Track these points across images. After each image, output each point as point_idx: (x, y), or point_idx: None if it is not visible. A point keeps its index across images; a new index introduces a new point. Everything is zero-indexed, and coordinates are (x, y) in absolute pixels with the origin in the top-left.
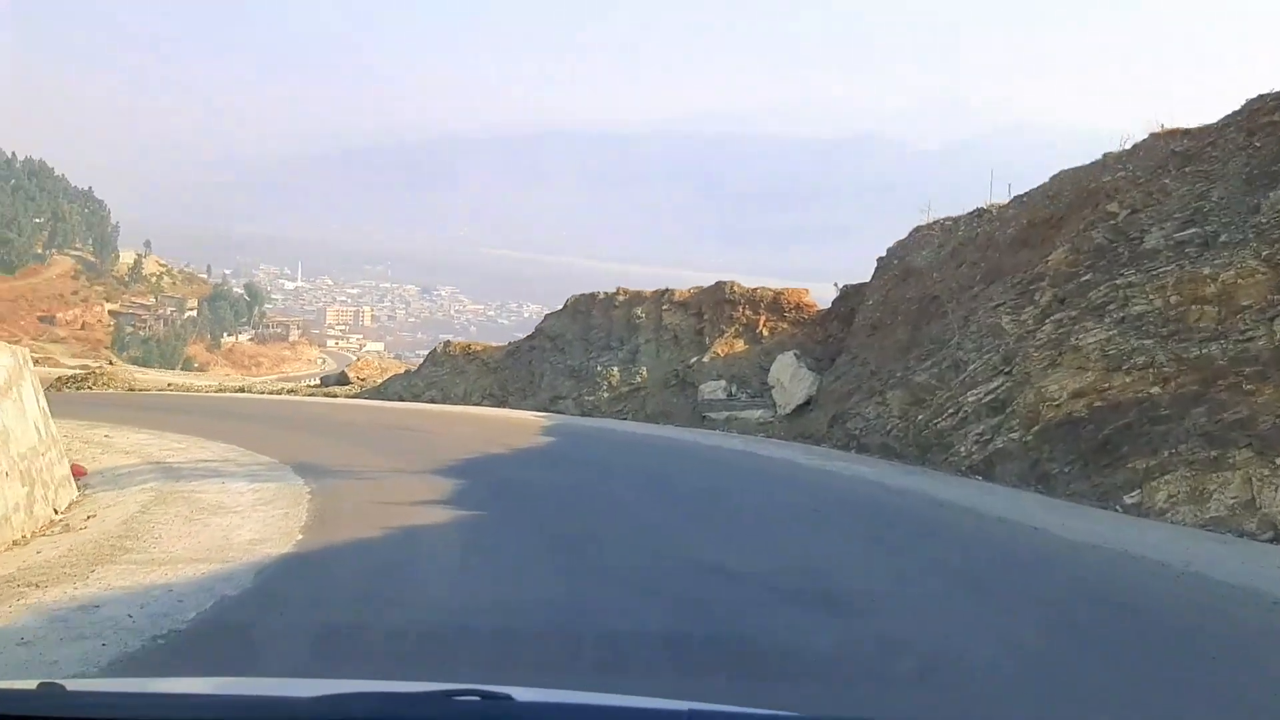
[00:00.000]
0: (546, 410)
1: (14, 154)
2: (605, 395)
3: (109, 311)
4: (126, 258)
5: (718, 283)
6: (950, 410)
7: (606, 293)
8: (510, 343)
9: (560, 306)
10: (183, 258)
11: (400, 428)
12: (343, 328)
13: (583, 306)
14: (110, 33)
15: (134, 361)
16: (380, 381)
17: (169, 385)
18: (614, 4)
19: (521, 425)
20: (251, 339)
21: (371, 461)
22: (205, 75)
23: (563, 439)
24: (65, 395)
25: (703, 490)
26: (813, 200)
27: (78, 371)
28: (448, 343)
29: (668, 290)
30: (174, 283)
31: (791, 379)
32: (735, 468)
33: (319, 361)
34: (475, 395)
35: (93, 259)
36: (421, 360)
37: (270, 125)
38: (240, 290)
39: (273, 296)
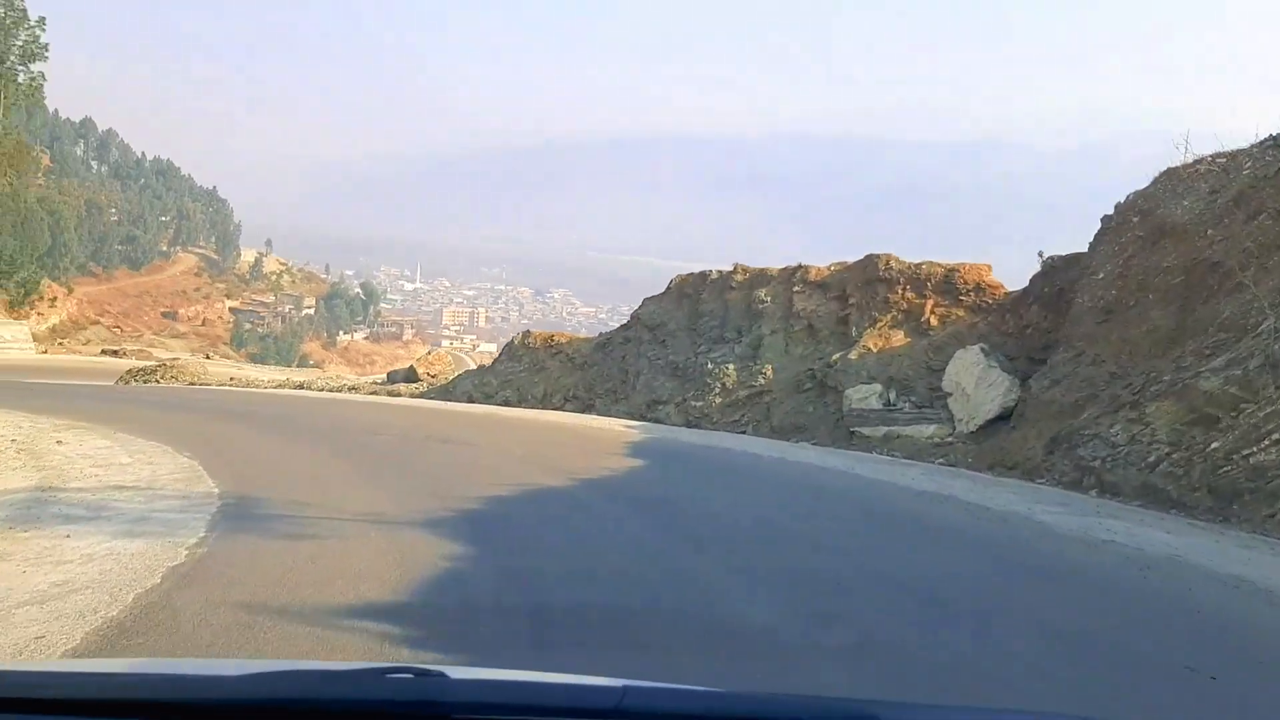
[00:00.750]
0: (642, 418)
1: (144, 154)
2: (717, 400)
3: (229, 308)
4: (248, 256)
5: (868, 256)
6: (1276, 434)
7: (720, 271)
8: (601, 334)
9: (663, 290)
10: (304, 258)
11: (439, 439)
12: (458, 328)
13: (690, 289)
14: (238, 37)
15: (251, 358)
16: (450, 379)
17: (230, 379)
18: (728, 11)
19: (601, 439)
20: (366, 337)
21: (350, 495)
22: (331, 82)
23: (653, 464)
24: (120, 390)
25: (943, 619)
26: (941, 202)
27: (148, 364)
28: (527, 333)
29: (800, 267)
30: (293, 281)
31: (978, 384)
32: (961, 539)
33: (448, 364)
34: (556, 397)
35: (215, 257)
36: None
37: (393, 131)
38: (357, 289)
39: (391, 297)
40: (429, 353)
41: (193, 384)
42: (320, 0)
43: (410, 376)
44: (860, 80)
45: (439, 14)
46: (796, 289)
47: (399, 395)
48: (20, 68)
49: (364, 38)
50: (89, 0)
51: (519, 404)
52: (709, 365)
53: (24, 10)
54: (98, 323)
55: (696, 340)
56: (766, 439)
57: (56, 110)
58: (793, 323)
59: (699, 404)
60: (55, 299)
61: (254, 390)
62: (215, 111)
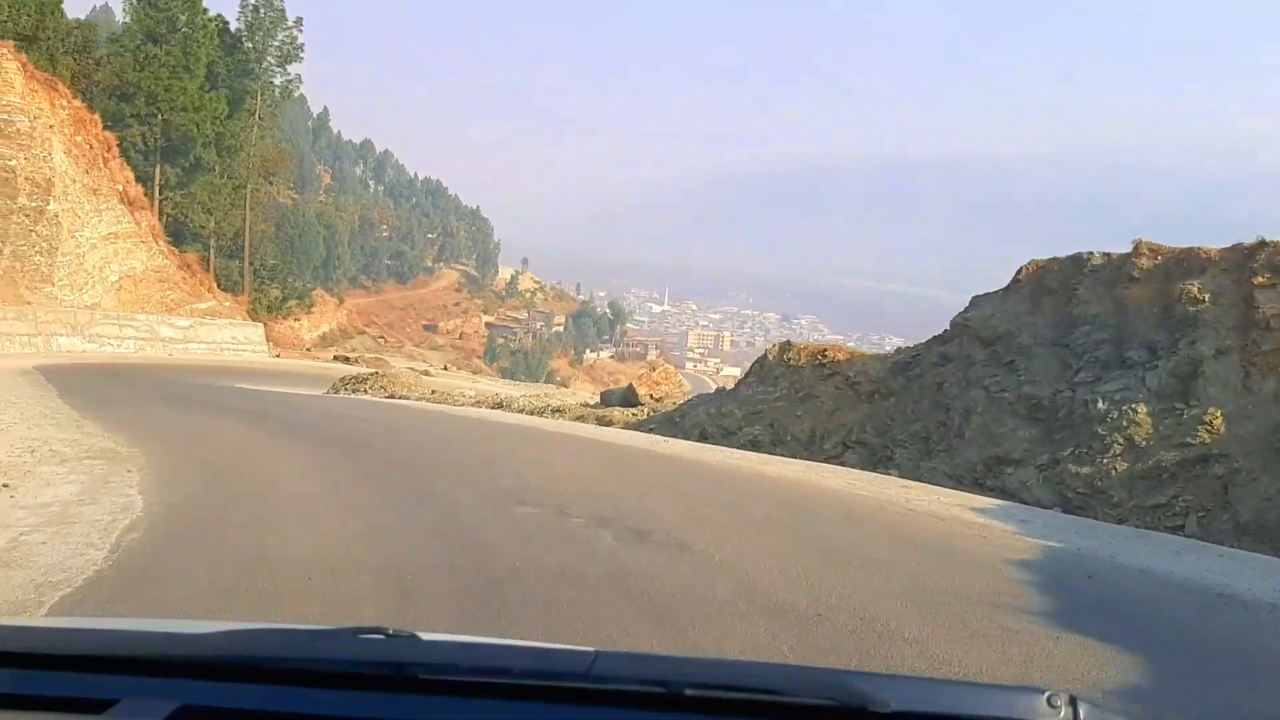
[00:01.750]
0: (977, 483)
1: (415, 174)
2: (1120, 466)
3: (485, 323)
4: (505, 273)
5: None
6: None
7: (1107, 255)
8: (898, 349)
9: (1006, 284)
10: (558, 277)
11: (625, 530)
12: (702, 351)
13: (1055, 281)
14: (503, 69)
15: (502, 372)
16: (678, 404)
17: (432, 392)
18: (990, 36)
19: (945, 546)
20: (612, 356)
21: None
22: (586, 107)
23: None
24: (307, 403)
25: None
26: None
27: (362, 373)
28: (786, 344)
29: (1264, 245)
30: (546, 299)
31: None
32: None
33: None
34: (831, 440)
35: (475, 273)
36: (743, 373)
37: (645, 154)
38: (606, 309)
39: (638, 318)
40: (654, 369)
41: (391, 397)
42: (589, 36)
43: (629, 399)
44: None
45: (694, 43)
46: (1261, 278)
47: (609, 423)
48: (277, 69)
49: (625, 67)
50: (382, 34)
51: (773, 447)
52: (1098, 404)
53: (282, 10)
54: (364, 332)
55: (1070, 362)
56: (1237, 551)
57: (339, 132)
58: (1258, 336)
59: (1083, 470)
60: (312, 305)
61: (439, 408)
62: (484, 136)
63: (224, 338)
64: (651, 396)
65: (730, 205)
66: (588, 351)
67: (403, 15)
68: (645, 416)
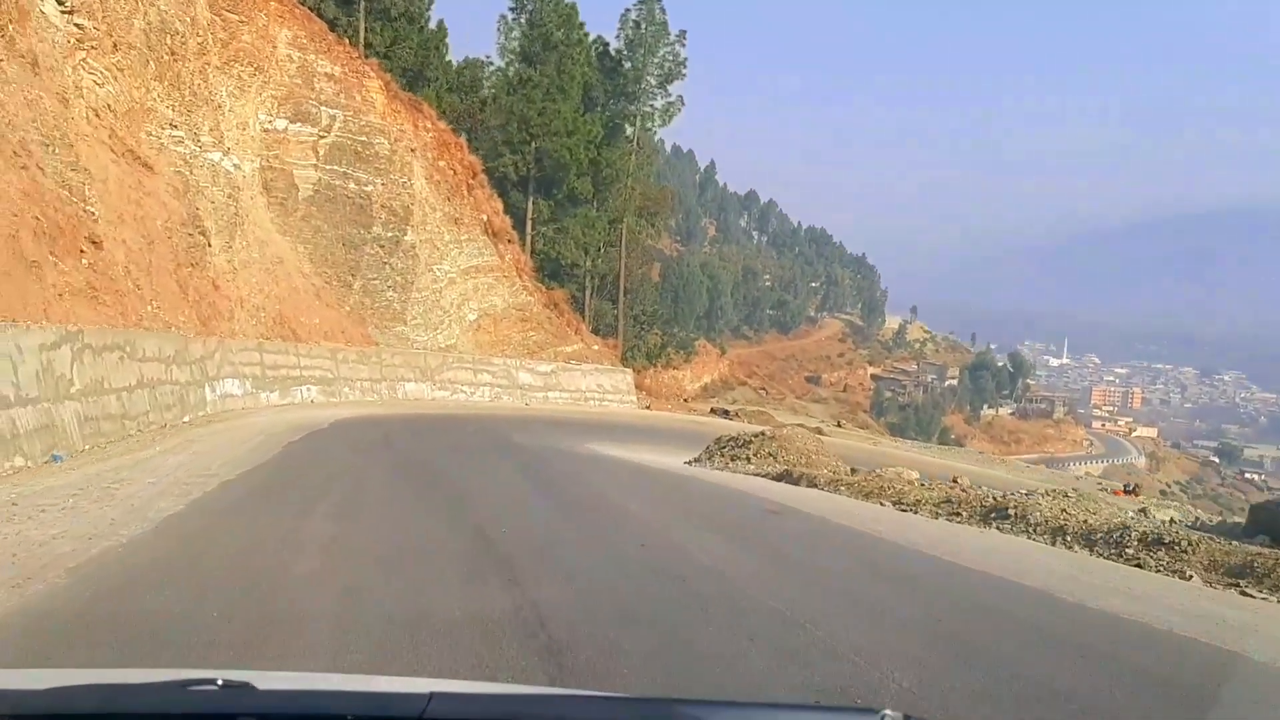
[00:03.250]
0: None
1: (799, 223)
2: None
3: (870, 375)
4: (891, 323)
5: None
6: None
7: None
8: None
9: None
10: (948, 327)
11: None
12: (1110, 408)
13: None
14: (888, 114)
15: (890, 428)
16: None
17: (850, 472)
18: None
19: None
20: (1012, 413)
21: None
22: (969, 157)
23: None
24: (698, 478)
25: None
26: None
27: (749, 432)
28: None
29: None
30: (936, 350)
31: None
32: None
33: (1085, 444)
34: None
35: (860, 323)
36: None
37: (1032, 203)
38: (1004, 361)
39: (1035, 372)
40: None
41: (788, 473)
42: (973, 74)
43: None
44: None
45: (1088, 78)
46: None
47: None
48: (657, 90)
49: (1016, 103)
50: (766, 87)
51: None
52: None
53: (664, 23)
54: (745, 383)
55: None
56: None
57: (725, 185)
58: None
59: None
60: (693, 355)
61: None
62: (867, 181)
63: (588, 385)
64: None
65: (1132, 254)
66: (985, 407)
67: (787, 67)
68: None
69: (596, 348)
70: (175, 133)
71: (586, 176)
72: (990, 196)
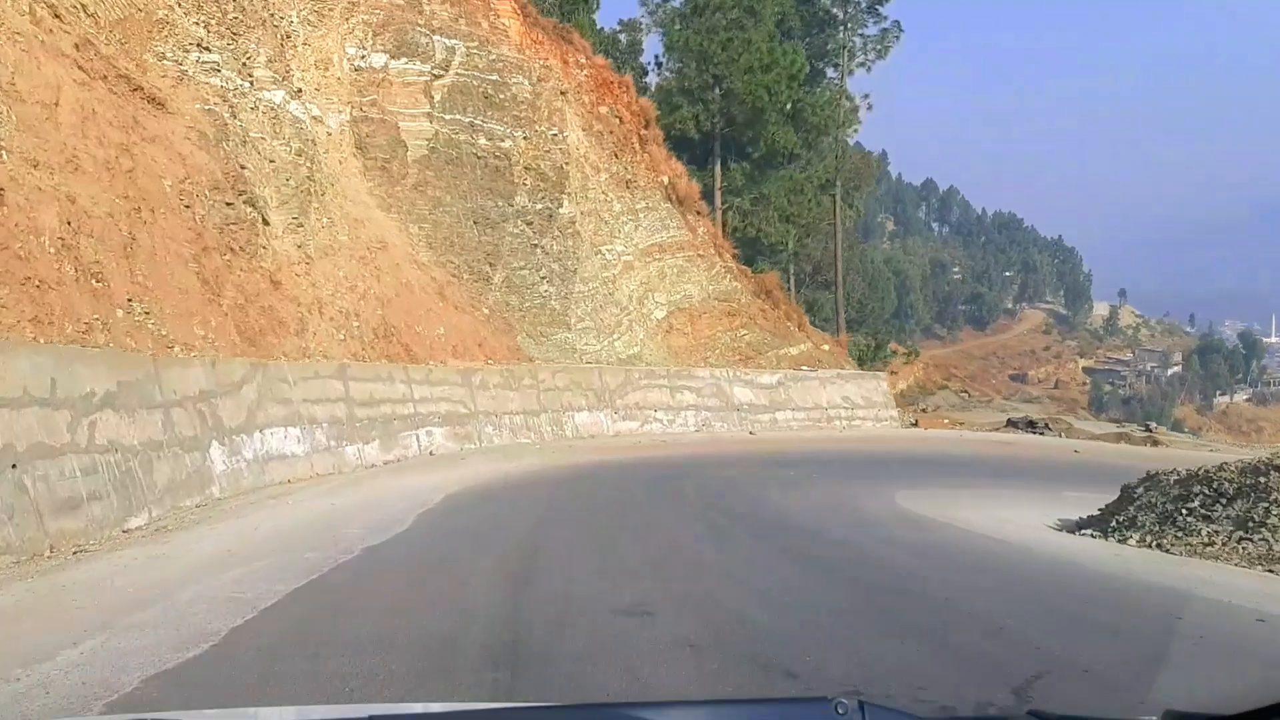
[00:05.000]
0: None
1: (984, 210)
2: None
3: (1082, 368)
4: (1099, 310)
5: None
6: None
7: None
8: None
9: None
10: (1155, 310)
11: None
12: None
13: None
14: (1065, 84)
15: (1113, 424)
16: None
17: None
18: None
19: None
20: (1248, 399)
21: None
22: (1161, 129)
23: None
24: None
25: None
26: None
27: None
28: None
29: None
30: (1151, 335)
31: None
32: None
33: None
34: None
35: (1064, 311)
36: None
37: (1228, 178)
38: (1236, 342)
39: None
40: None
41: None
42: (1165, 37)
43: None
44: None
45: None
46: None
47: None
48: (867, 15)
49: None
50: (932, 69)
51: None
52: None
53: None
54: (945, 386)
55: None
56: None
57: (899, 175)
58: None
59: None
60: (905, 356)
61: None
62: (1053, 158)
63: (831, 399)
64: None
65: None
66: (1217, 394)
67: (947, 46)
68: None
69: (827, 348)
70: (209, 57)
71: (788, 125)
72: (1194, 167)
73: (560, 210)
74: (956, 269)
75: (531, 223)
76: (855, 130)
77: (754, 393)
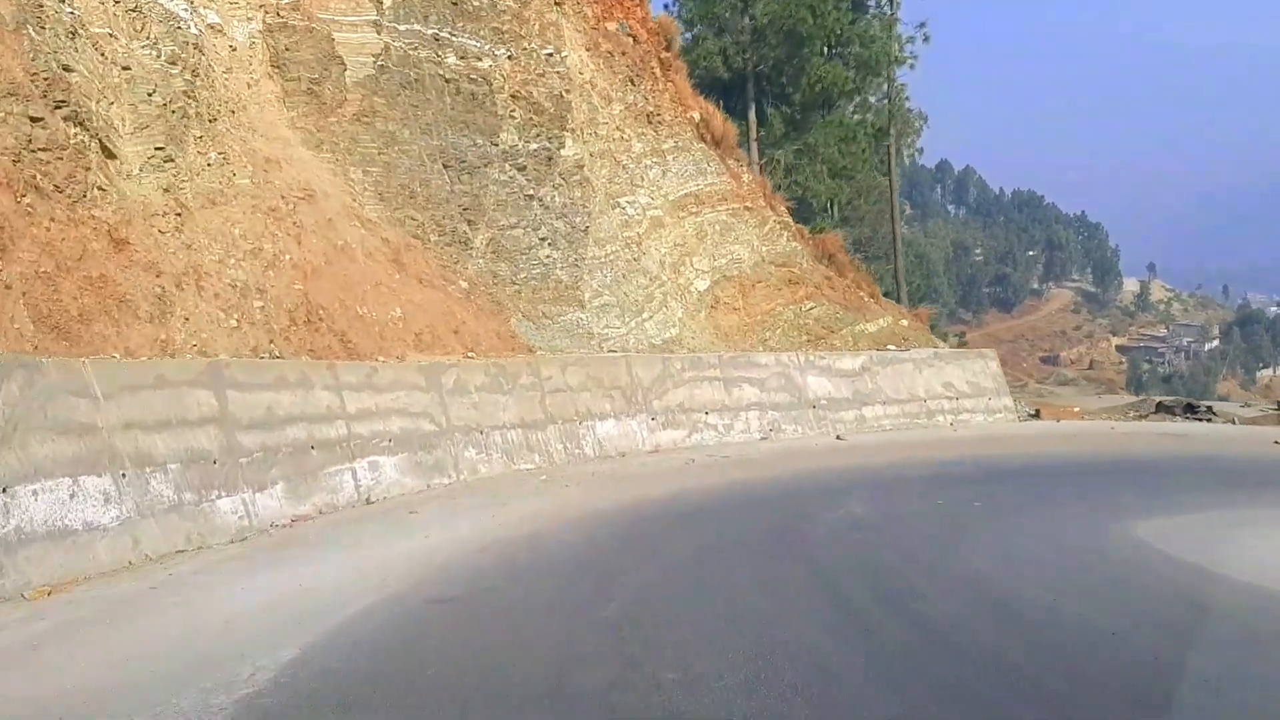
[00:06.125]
0: None
1: (1001, 189)
2: None
3: (1115, 347)
4: (1130, 286)
5: None
6: None
7: None
8: None
9: None
10: (1185, 284)
11: None
12: None
13: None
14: (1096, 61)
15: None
16: None
17: None
18: None
19: None
20: None
21: None
22: (1179, 99)
23: None
24: None
25: None
26: None
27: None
28: None
29: None
30: (1185, 310)
31: None
32: None
33: None
34: None
35: (1092, 289)
36: None
37: (1245, 153)
38: (1276, 312)
39: None
40: None
41: None
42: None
43: None
44: None
45: None
46: None
47: None
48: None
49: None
50: (957, 60)
51: None
52: None
53: None
54: None
55: None
56: None
57: (913, 157)
58: None
59: None
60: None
61: None
62: (1074, 134)
63: (929, 387)
64: None
65: None
66: (1260, 367)
67: (953, 20)
68: None
69: (906, 323)
70: None
71: (835, 59)
72: (1220, 138)
73: (562, 151)
74: (978, 251)
75: (524, 167)
76: (911, 66)
77: (832, 383)
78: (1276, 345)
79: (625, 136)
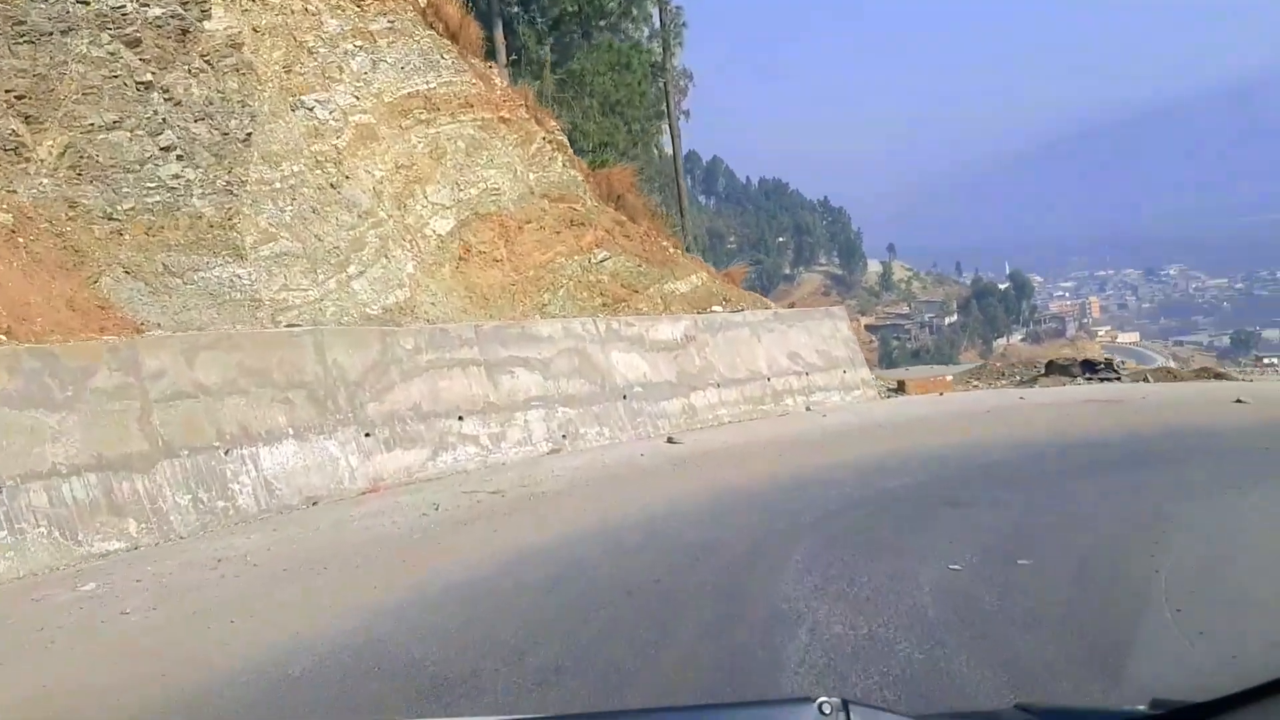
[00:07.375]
0: None
1: (748, 178)
2: None
3: (864, 326)
4: (873, 268)
5: None
6: None
7: None
8: None
9: None
10: (919, 263)
11: None
12: (1081, 320)
13: None
14: (820, 56)
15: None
16: None
17: None
18: None
19: None
20: (1024, 339)
21: None
22: (895, 86)
23: None
24: None
25: None
26: None
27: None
28: None
29: None
30: (924, 287)
31: None
32: None
33: (1103, 356)
34: None
35: (839, 272)
36: None
37: (963, 132)
38: (1006, 284)
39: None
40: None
41: None
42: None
43: None
44: None
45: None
46: None
47: None
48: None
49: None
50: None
51: None
52: None
53: None
54: None
55: None
56: None
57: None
58: None
59: None
60: None
61: None
62: (815, 121)
63: (771, 359)
64: None
65: (1057, 169)
66: (996, 337)
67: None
68: None
69: (718, 285)
70: None
71: None
72: (933, 125)
73: (206, 24)
74: (732, 239)
75: (138, 41)
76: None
77: (647, 360)
78: (1009, 315)
79: (312, 8)
